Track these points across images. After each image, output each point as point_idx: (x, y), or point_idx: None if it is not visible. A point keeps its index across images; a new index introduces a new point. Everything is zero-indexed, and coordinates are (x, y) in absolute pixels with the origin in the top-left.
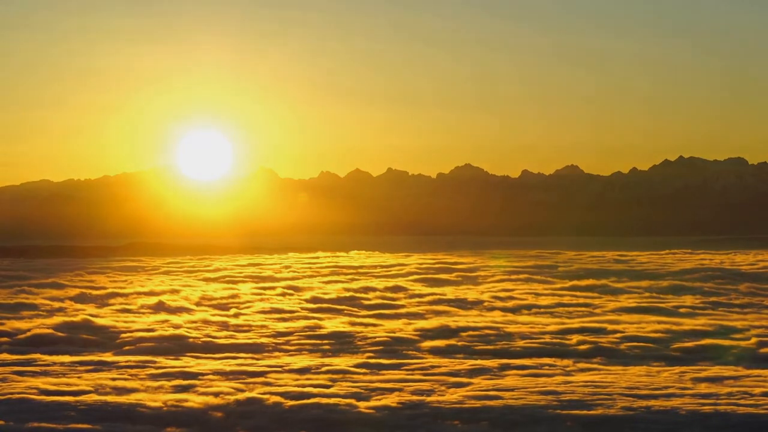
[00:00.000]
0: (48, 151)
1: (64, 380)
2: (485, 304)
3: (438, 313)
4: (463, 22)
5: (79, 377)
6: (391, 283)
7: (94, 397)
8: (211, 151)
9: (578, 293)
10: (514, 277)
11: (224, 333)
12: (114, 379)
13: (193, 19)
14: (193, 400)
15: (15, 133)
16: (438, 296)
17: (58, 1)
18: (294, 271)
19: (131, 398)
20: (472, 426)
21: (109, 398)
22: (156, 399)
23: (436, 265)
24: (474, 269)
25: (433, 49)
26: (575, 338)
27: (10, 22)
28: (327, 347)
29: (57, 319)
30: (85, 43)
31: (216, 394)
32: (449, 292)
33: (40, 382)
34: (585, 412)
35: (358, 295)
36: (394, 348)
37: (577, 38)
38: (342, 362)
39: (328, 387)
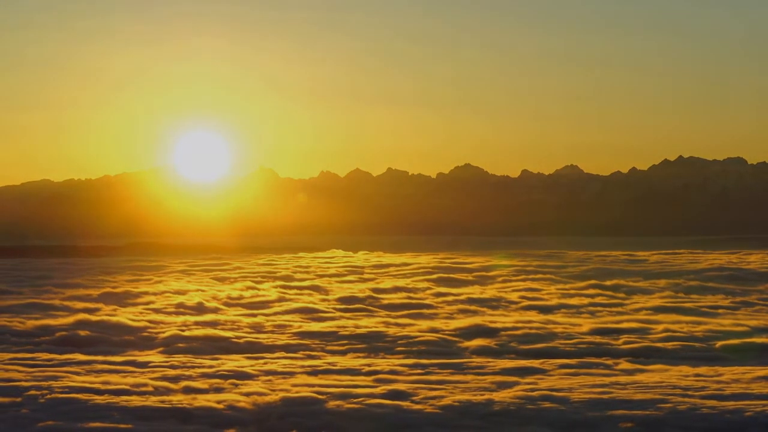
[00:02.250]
0: (48, 151)
1: (109, 379)
2: (516, 304)
3: (470, 313)
4: (463, 22)
5: (123, 377)
6: (413, 283)
7: (142, 398)
8: (211, 151)
9: (607, 292)
10: (539, 276)
11: (264, 333)
12: (159, 379)
13: (193, 20)
14: (245, 401)
15: (15, 133)
16: (465, 296)
17: (58, 2)
18: (312, 272)
19: (178, 398)
20: (535, 428)
21: (157, 398)
22: (205, 399)
23: (452, 265)
24: (490, 269)
25: (433, 49)
26: (619, 338)
27: (10, 23)
28: (370, 347)
29: (93, 318)
30: (85, 44)
31: (268, 394)
32: (475, 291)
33: (86, 382)
34: (646, 412)
35: (384, 295)
36: (438, 348)
37: (577, 38)
38: (390, 363)
39: (383, 387)
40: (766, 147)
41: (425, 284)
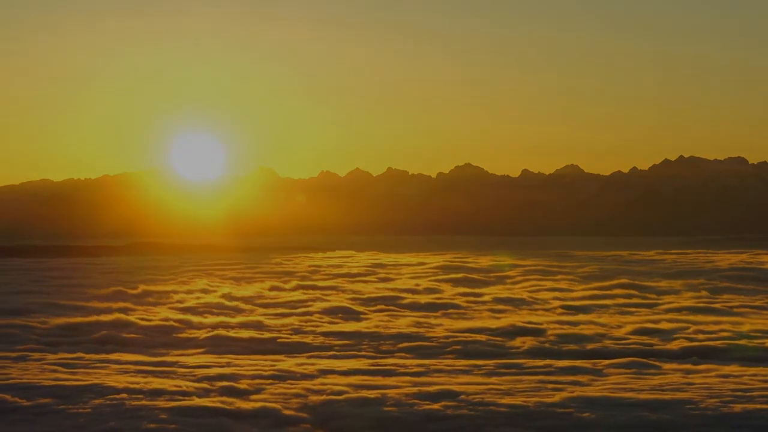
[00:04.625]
0: (48, 151)
1: (154, 380)
2: (550, 304)
3: (507, 313)
4: (463, 21)
5: (171, 377)
6: (435, 283)
7: (188, 398)
8: (211, 151)
9: (637, 292)
10: (570, 277)
11: (307, 334)
12: (210, 379)
13: (192, 19)
14: (302, 401)
15: (15, 133)
16: (494, 295)
17: (57, 2)
18: (331, 272)
19: (229, 399)
20: (606, 430)
21: (209, 399)
22: (260, 399)
23: (466, 265)
24: (503, 268)
25: (434, 49)
26: (665, 338)
27: (9, 22)
28: (418, 347)
29: (130, 318)
30: (85, 44)
31: (325, 394)
32: (502, 291)
33: (132, 383)
34: (718, 412)
35: (412, 295)
36: (488, 348)
37: (577, 37)
38: (446, 363)
39: (445, 386)
40: (766, 147)
41: (448, 284)
